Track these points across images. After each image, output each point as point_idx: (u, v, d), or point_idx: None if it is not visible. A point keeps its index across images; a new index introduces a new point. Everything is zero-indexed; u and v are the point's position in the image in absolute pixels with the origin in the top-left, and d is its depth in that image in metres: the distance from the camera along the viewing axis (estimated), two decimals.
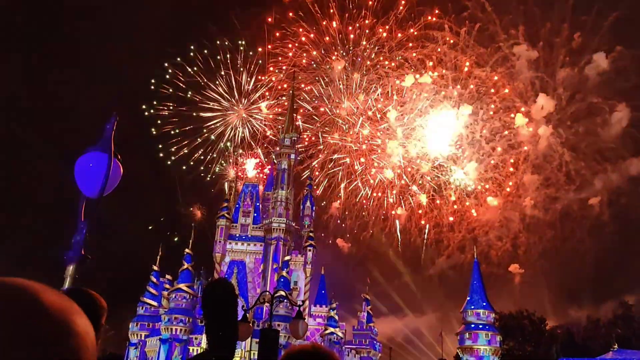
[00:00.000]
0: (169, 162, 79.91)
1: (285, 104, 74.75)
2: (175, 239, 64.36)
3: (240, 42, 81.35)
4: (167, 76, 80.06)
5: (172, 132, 79.67)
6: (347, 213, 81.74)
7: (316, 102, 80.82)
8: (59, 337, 0.89)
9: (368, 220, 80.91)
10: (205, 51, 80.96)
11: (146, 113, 78.77)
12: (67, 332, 0.91)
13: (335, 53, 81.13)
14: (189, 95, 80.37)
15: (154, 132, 79.46)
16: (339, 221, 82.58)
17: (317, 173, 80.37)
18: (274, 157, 61.78)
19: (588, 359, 48.32)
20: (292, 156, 59.71)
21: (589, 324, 66.45)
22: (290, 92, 69.93)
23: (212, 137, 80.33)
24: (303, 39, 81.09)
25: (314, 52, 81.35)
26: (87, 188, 4.82)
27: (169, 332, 47.24)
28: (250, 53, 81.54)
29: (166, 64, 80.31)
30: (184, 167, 79.87)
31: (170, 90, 79.57)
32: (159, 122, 79.45)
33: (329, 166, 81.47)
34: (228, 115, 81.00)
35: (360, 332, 54.46)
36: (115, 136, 5.09)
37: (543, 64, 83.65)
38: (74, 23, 78.02)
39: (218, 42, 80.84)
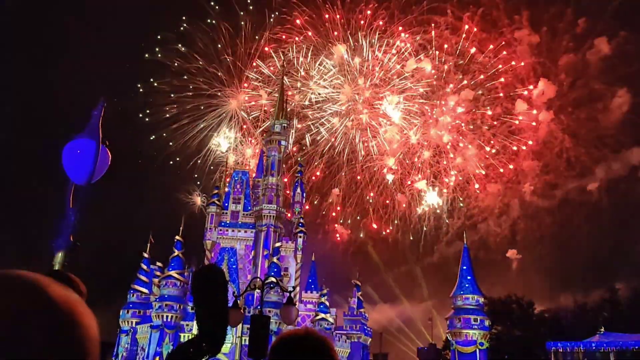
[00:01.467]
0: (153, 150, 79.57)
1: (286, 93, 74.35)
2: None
3: (242, 21, 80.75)
4: (162, 58, 79.31)
5: (170, 117, 79.31)
6: (346, 200, 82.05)
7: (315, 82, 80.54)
8: (65, 328, 0.92)
9: (367, 207, 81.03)
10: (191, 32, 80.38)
11: (122, 109, 77.97)
12: (72, 324, 0.93)
13: (336, 35, 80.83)
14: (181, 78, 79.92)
15: (149, 118, 78.93)
16: (338, 208, 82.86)
17: (319, 159, 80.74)
18: (264, 143, 61.60)
19: (575, 342, 49.00)
20: (283, 143, 59.53)
21: (576, 308, 67.30)
22: (281, 77, 69.71)
23: (208, 121, 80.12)
24: (301, 24, 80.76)
25: (314, 38, 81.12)
26: (75, 175, 4.78)
27: (160, 319, 47.29)
28: (244, 27, 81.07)
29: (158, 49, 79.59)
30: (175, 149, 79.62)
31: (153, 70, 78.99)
32: (155, 107, 78.87)
33: (329, 153, 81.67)
34: (227, 101, 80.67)
35: (350, 317, 54.81)
36: (103, 122, 5.03)
37: (545, 49, 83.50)
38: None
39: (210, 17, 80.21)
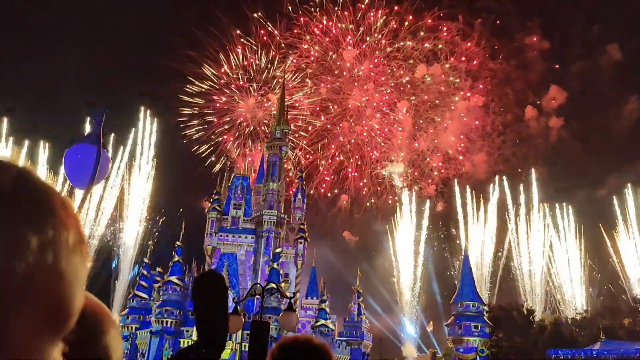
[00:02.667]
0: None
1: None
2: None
3: (254, 24, 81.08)
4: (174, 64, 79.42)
5: (179, 123, 79.41)
6: (355, 206, 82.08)
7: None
8: (94, 336, 0.99)
9: (376, 214, 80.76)
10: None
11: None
12: (101, 331, 1.00)
13: (347, 40, 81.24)
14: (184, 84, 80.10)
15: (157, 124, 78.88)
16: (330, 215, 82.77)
17: (328, 162, 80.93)
18: (264, 149, 61.68)
19: (576, 350, 48.83)
20: (284, 148, 59.61)
21: (576, 315, 67.06)
22: (282, 83, 70.06)
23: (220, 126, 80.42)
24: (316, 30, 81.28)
25: (325, 43, 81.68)
26: (76, 180, 4.78)
27: (160, 325, 47.20)
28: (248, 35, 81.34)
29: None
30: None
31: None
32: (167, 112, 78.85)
33: (339, 159, 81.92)
34: (238, 106, 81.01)
35: (350, 324, 54.64)
36: (104, 128, 5.05)
37: (557, 55, 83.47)
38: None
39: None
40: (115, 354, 1.03)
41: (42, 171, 62.84)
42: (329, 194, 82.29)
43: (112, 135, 65.64)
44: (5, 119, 62.75)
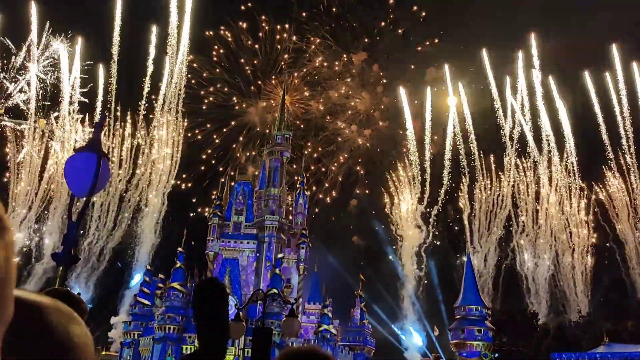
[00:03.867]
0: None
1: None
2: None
3: (260, 32, 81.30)
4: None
5: (187, 129, 79.45)
6: (363, 210, 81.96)
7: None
8: (60, 350, 0.90)
9: (389, 221, 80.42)
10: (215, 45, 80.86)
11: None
12: (68, 346, 0.92)
13: (355, 44, 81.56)
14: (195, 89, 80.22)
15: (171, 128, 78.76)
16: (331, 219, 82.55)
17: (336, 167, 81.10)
18: (266, 154, 61.59)
19: (579, 353, 48.64)
20: (286, 154, 59.59)
21: (579, 319, 66.89)
22: (283, 88, 70.33)
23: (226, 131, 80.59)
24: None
25: (333, 46, 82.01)
26: (77, 188, 4.78)
27: (162, 331, 47.13)
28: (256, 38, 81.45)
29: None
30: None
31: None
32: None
33: (347, 163, 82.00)
34: (246, 111, 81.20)
35: (353, 329, 54.49)
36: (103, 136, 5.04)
37: (565, 60, 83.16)
38: None
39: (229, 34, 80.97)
40: None
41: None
42: (334, 200, 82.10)
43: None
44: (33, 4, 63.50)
